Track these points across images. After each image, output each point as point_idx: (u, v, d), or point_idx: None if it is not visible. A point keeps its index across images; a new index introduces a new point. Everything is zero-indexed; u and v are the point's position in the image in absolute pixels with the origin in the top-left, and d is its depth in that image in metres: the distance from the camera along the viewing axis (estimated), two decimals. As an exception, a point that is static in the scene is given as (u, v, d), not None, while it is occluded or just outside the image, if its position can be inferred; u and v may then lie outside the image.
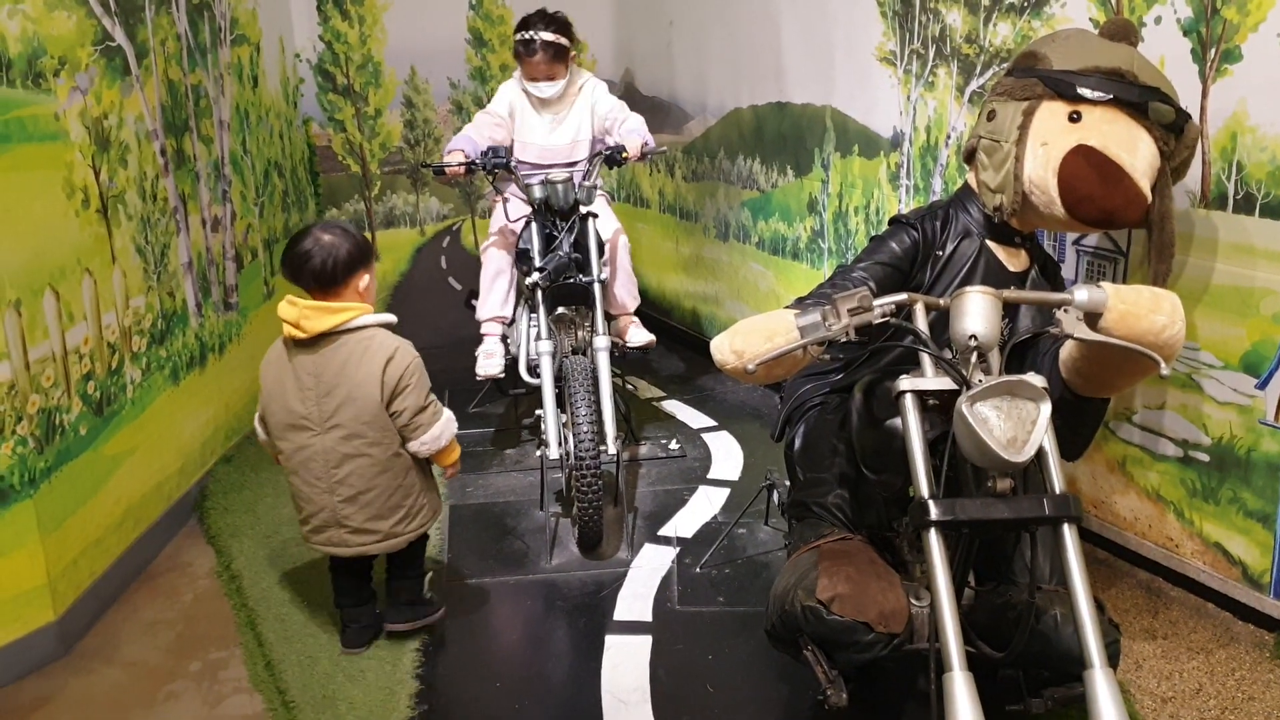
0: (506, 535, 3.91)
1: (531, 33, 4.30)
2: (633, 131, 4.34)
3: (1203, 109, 2.93)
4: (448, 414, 3.15)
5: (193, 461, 4.25)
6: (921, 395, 2.16)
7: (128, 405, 3.68)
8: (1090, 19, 3.23)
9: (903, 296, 2.27)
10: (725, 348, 2.36)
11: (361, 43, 5.91)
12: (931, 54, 3.89)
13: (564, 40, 4.35)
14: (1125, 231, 3.24)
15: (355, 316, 2.98)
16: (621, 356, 4.45)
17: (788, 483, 3.31)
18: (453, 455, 3.23)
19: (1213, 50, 2.90)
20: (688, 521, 3.94)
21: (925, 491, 2.07)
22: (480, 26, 6.16)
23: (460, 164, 4.09)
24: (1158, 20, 3.02)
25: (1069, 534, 2.04)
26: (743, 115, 5.23)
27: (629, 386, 5.28)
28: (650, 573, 3.57)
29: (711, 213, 5.71)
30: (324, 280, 2.97)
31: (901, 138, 4.13)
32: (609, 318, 4.19)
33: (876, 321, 2.25)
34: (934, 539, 2.02)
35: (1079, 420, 2.64)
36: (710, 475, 4.36)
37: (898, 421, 2.34)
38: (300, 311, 2.94)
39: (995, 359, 2.17)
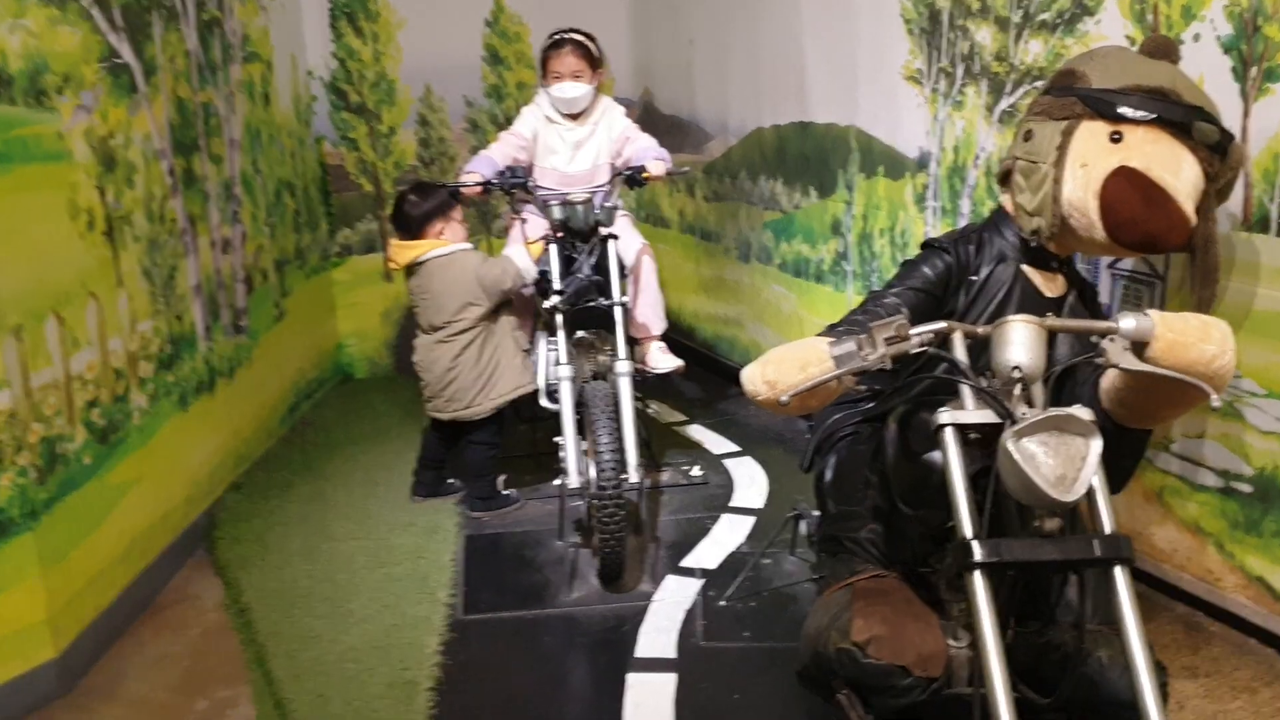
0: (524, 567, 3.80)
1: (561, 34, 4.37)
2: (647, 150, 4.29)
3: (1244, 129, 2.82)
4: (507, 261, 4.10)
5: (201, 490, 4.16)
6: (962, 429, 2.06)
7: (133, 433, 3.59)
8: (1127, 36, 3.13)
9: (941, 325, 2.17)
10: (757, 378, 2.24)
11: (375, 60, 5.84)
12: (960, 72, 3.80)
13: (592, 45, 4.36)
14: (1164, 255, 3.13)
15: (425, 251, 4.15)
16: (643, 381, 4.34)
17: (816, 513, 3.21)
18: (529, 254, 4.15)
19: (1255, 68, 2.80)
20: (711, 552, 3.83)
21: (969, 531, 1.96)
22: (496, 44, 6.08)
23: (477, 184, 4.01)
24: (1196, 38, 2.92)
25: (1120, 576, 1.93)
26: (765, 135, 5.14)
27: (649, 410, 5.18)
28: (673, 606, 3.45)
29: (733, 233, 5.61)
30: (407, 229, 4.25)
31: (928, 158, 4.03)
32: (632, 342, 4.08)
33: (914, 351, 2.14)
34: (979, 582, 1.91)
35: (1120, 451, 2.51)
36: (733, 503, 4.25)
37: (936, 455, 2.24)
38: (391, 250, 4.32)
39: (1038, 391, 2.06)
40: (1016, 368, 2.01)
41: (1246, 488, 3.02)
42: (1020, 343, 2.03)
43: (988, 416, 2.05)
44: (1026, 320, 2.04)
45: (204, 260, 4.25)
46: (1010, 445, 1.88)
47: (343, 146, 5.92)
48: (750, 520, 4.08)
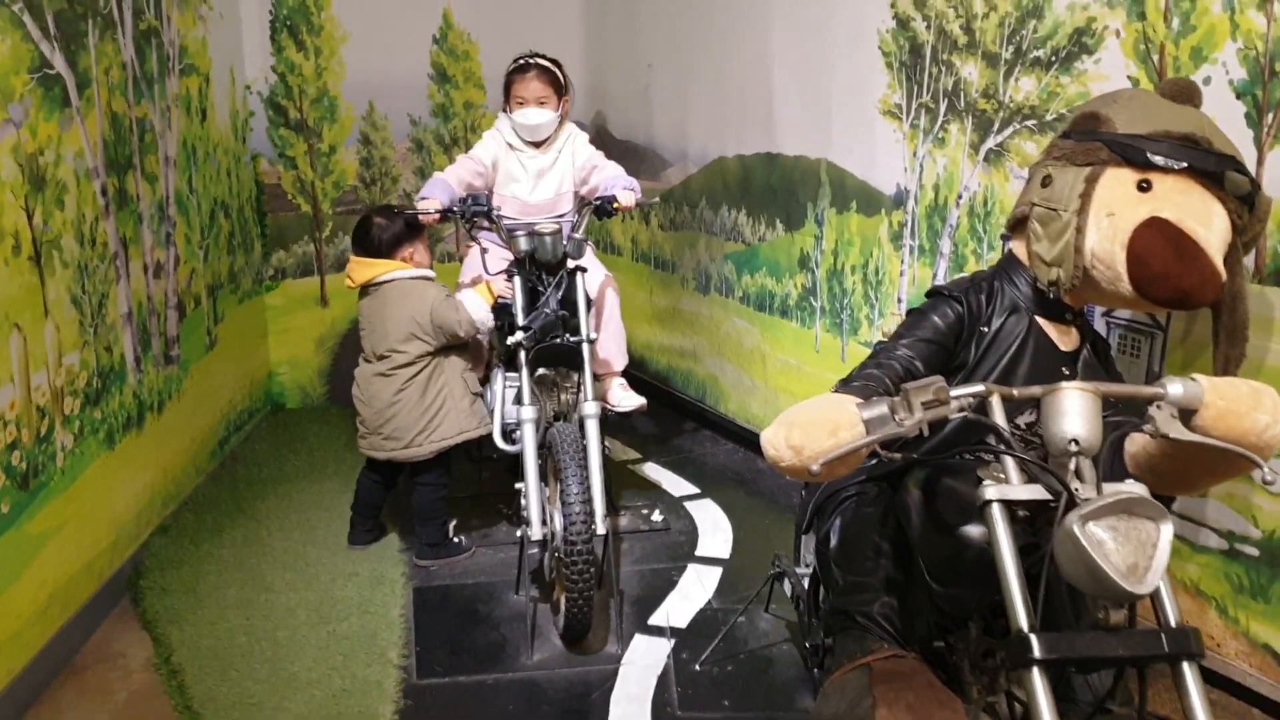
0: (480, 624, 3.55)
1: (527, 58, 4.16)
2: (615, 179, 4.08)
3: (1258, 178, 2.69)
4: (462, 306, 3.84)
5: (126, 534, 3.84)
6: (1010, 505, 1.88)
7: (57, 475, 3.29)
8: (1129, 77, 3.00)
9: (979, 388, 1.98)
10: (781, 443, 2.02)
11: (317, 75, 5.55)
12: (943, 108, 3.65)
13: (557, 71, 4.15)
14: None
15: (386, 271, 3.90)
16: (603, 420, 4.11)
17: (801, 569, 3.01)
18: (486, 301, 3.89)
19: (1270, 114, 2.67)
20: (680, 608, 3.62)
21: (1025, 623, 1.77)
22: (444, 61, 5.82)
23: (435, 211, 3.77)
24: (1207, 81, 2.79)
25: (1189, 673, 1.76)
26: (728, 164, 4.95)
27: (605, 448, 4.96)
28: (644, 670, 3.23)
29: (691, 264, 5.42)
30: (373, 251, 3.94)
31: (906, 196, 3.88)
32: (594, 378, 3.85)
33: (953, 416, 1.96)
34: (1038, 681, 1.72)
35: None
36: (699, 552, 4.04)
37: (971, 530, 2.06)
38: (350, 266, 4.01)
39: (1088, 465, 1.89)
40: (1074, 440, 1.83)
41: (1253, 550, 2.89)
42: (1077, 413, 1.85)
43: (1038, 492, 1.88)
44: (1082, 388, 1.87)
45: (136, 286, 3.94)
46: (1077, 530, 1.69)
47: (280, 164, 5.61)
48: (718, 571, 3.88)
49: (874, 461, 2.62)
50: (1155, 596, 1.81)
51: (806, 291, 4.51)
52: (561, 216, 4.06)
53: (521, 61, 4.15)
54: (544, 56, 4.18)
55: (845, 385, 2.29)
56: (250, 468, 4.96)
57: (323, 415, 5.73)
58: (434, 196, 3.81)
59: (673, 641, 3.39)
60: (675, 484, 4.72)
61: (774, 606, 3.47)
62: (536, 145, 4.18)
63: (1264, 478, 1.92)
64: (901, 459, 2.06)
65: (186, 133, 4.54)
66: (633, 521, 4.28)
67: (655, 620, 3.54)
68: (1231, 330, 2.47)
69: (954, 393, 1.95)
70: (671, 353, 5.72)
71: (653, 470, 4.88)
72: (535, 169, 4.18)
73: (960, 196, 3.64)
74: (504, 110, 4.20)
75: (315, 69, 5.54)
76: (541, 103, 4.11)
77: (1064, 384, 1.88)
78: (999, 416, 1.98)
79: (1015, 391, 1.99)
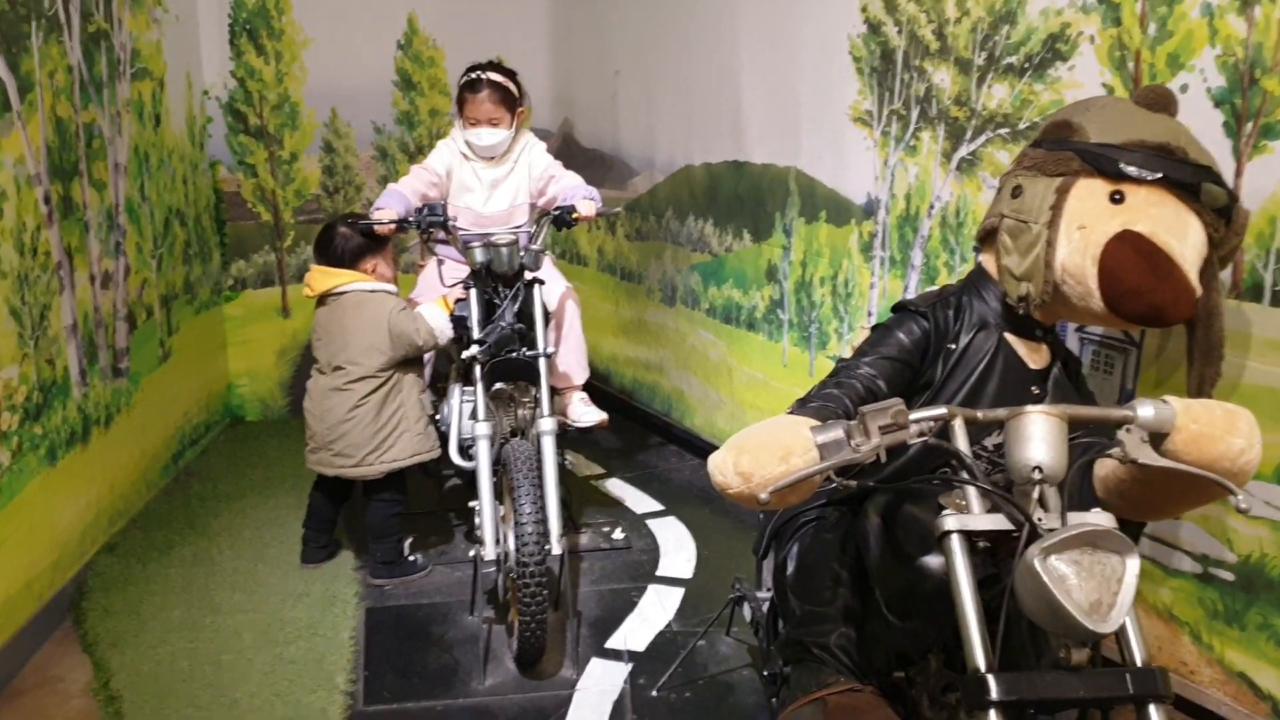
0: (432, 646, 3.43)
1: (479, 72, 3.98)
2: (575, 189, 3.97)
3: (1236, 189, 2.60)
4: (420, 319, 3.73)
5: (70, 553, 3.71)
6: (969, 535, 1.77)
7: (-7, 494, 3.16)
8: (1104, 85, 2.90)
9: (941, 410, 1.87)
10: (729, 469, 1.90)
11: (278, 81, 5.43)
12: (914, 116, 3.55)
13: (512, 86, 4.00)
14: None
15: (347, 282, 3.77)
16: (563, 435, 3.99)
17: (762, 594, 2.90)
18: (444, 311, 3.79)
19: (1250, 123, 2.58)
20: (639, 630, 3.50)
21: (982, 663, 1.66)
22: (409, 68, 5.71)
23: (390, 222, 3.65)
24: (1184, 89, 2.69)
25: (1156, 715, 1.67)
26: (695, 173, 4.85)
27: (566, 463, 4.85)
28: (600, 696, 3.11)
29: (656, 275, 5.31)
30: (334, 260, 3.81)
31: (876, 205, 3.78)
32: (552, 392, 3.73)
33: (912, 441, 1.85)
34: (995, 724, 1.61)
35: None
36: (660, 572, 3.92)
37: (931, 560, 1.95)
38: (310, 274, 3.86)
39: (1054, 494, 1.78)
40: (1037, 467, 1.73)
41: (1228, 575, 2.79)
42: (1041, 438, 1.74)
43: (1000, 522, 1.77)
44: (1047, 412, 1.76)
45: (82, 297, 3.81)
46: (1037, 564, 1.59)
47: (240, 172, 5.49)
48: (679, 592, 3.76)
49: (833, 485, 2.51)
50: (1121, 634, 1.71)
51: (774, 304, 4.41)
52: (518, 228, 3.94)
53: (474, 76, 3.99)
54: (499, 69, 4.03)
55: (802, 406, 2.17)
56: (205, 483, 4.83)
57: (283, 428, 5.59)
58: (389, 207, 3.69)
59: (630, 666, 3.28)
60: (639, 500, 4.61)
61: (736, 630, 3.36)
62: (491, 157, 4.06)
63: (1238, 504, 1.82)
64: (857, 486, 1.95)
65: (138, 139, 4.41)
66: (593, 539, 4.16)
67: (613, 643, 3.42)
68: (1206, 348, 2.37)
69: (914, 416, 1.84)
70: (637, 365, 5.61)
71: (616, 486, 4.77)
72: (489, 179, 4.07)
73: (932, 206, 3.54)
74: (456, 121, 4.07)
75: (276, 74, 5.42)
76: (493, 122, 3.98)
77: (1028, 408, 1.77)
78: (962, 441, 1.87)
79: (980, 414, 1.89)
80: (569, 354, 4.12)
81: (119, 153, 4.19)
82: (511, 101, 4.01)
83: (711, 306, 4.86)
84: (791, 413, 2.12)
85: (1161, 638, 2.98)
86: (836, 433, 1.85)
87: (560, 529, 3.31)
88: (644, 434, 5.44)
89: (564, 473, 4.66)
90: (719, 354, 4.83)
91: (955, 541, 1.75)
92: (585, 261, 6.03)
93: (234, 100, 5.39)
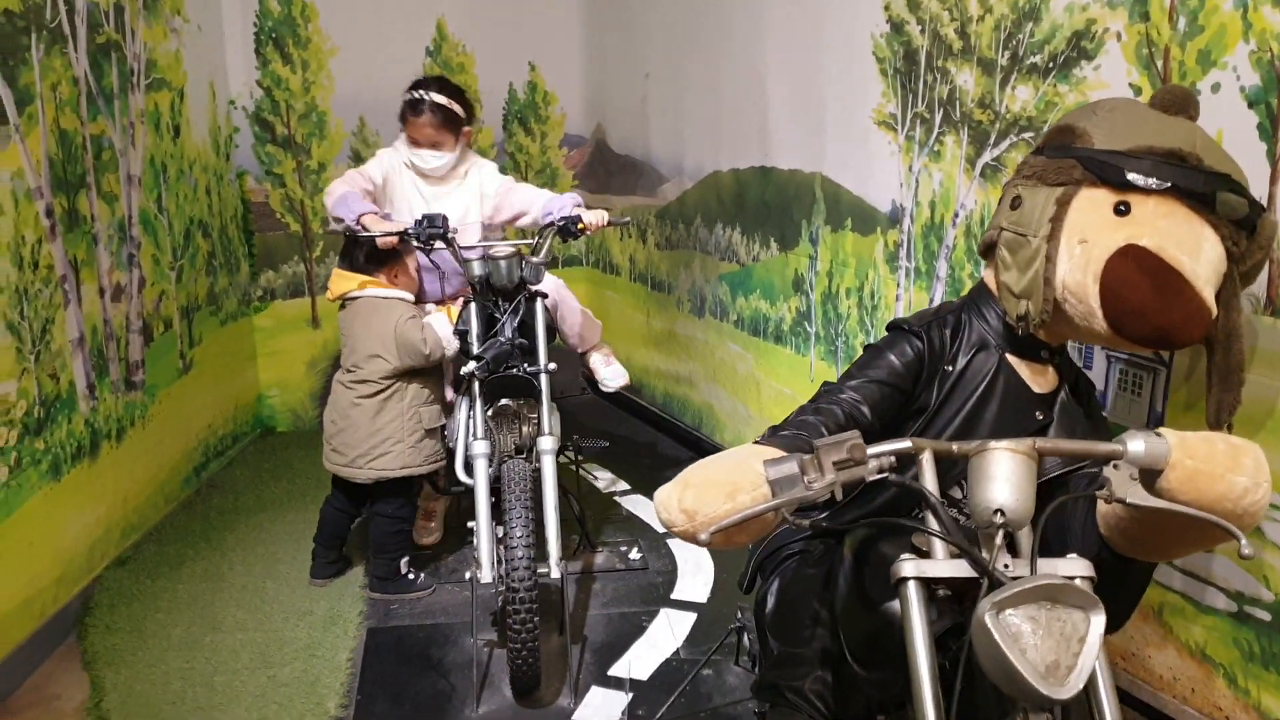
0: (429, 670, 3.32)
1: (422, 92, 3.81)
2: (551, 198, 3.87)
3: (1271, 196, 2.39)
4: (429, 329, 3.68)
5: (76, 568, 3.66)
6: (928, 583, 1.61)
7: (-12, 509, 3.11)
8: (1131, 84, 2.70)
9: (905, 444, 1.70)
10: (673, 505, 1.75)
11: (305, 90, 5.37)
12: (938, 119, 3.37)
13: (456, 107, 3.83)
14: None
15: (362, 287, 3.75)
16: (589, 390, 3.85)
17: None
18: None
19: (1285, 125, 2.37)
20: (644, 657, 3.36)
21: (933, 726, 1.50)
22: (439, 74, 5.63)
23: (394, 234, 3.54)
24: (1215, 88, 2.49)
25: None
26: (722, 179, 4.70)
27: (590, 476, 4.72)
28: (595, 728, 2.98)
29: (686, 285, 5.17)
30: (355, 266, 3.78)
31: (901, 213, 3.60)
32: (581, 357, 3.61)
33: (871, 478, 1.68)
34: (947, 800, 1.45)
35: (1120, 585, 2.06)
36: (675, 595, 3.77)
37: (896, 606, 1.78)
38: (331, 277, 3.88)
39: (1025, 537, 1.61)
40: (999, 510, 1.56)
41: (1264, 614, 2.58)
42: (1005, 478, 1.57)
43: (961, 569, 1.61)
44: (1013, 449, 1.59)
45: (89, 310, 3.77)
46: (988, 620, 1.42)
47: (267, 182, 5.44)
48: (691, 617, 3.61)
49: (822, 514, 2.35)
50: (1094, 701, 1.53)
51: (801, 316, 4.24)
52: (471, 249, 3.78)
53: (416, 96, 3.81)
54: (445, 88, 3.85)
55: (774, 434, 2.02)
56: (227, 495, 4.78)
57: (313, 439, 5.49)
58: (369, 212, 3.57)
59: (630, 695, 3.14)
60: (662, 519, 4.45)
61: (745, 659, 3.20)
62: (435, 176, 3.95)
63: (1242, 551, 1.63)
64: (810, 526, 1.79)
65: (155, 150, 4.37)
66: (609, 560, 4.02)
67: (616, 670, 3.28)
68: (1225, 373, 2.17)
69: (873, 450, 1.67)
70: (668, 379, 5.47)
71: (639, 503, 4.63)
72: (430, 193, 3.93)
73: (956, 215, 3.36)
74: (401, 131, 3.92)
75: (303, 83, 5.37)
76: (435, 145, 3.83)
77: (991, 443, 1.60)
78: (929, 477, 1.71)
79: (955, 447, 1.72)
80: (574, 322, 4.07)
81: (132, 164, 4.15)
82: (455, 123, 3.84)
83: (740, 318, 4.71)
84: (759, 441, 1.96)
85: (1195, 679, 2.78)
86: (790, 468, 1.69)
87: (560, 551, 3.18)
88: (675, 449, 5.30)
89: (585, 485, 4.54)
90: (747, 367, 4.68)
91: (912, 589, 1.59)
92: (618, 271, 5.90)
93: (260, 110, 5.34)
